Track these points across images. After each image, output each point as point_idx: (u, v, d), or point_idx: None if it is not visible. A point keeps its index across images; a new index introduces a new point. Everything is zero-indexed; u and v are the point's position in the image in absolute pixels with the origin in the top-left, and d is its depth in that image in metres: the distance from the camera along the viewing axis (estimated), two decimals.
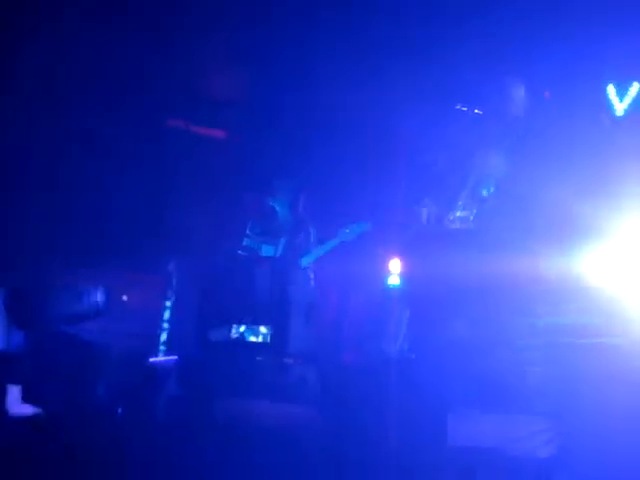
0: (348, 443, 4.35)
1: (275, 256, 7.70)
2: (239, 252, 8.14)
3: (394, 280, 8.63)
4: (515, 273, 4.78)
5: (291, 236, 8.10)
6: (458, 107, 6.51)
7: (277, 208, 8.34)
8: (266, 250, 8.06)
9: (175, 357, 6.53)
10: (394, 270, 8.24)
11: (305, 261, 7.72)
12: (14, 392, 5.66)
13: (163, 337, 8.12)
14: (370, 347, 9.66)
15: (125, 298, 10.56)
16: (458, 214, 6.03)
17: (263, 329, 6.68)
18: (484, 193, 6.08)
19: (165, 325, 8.14)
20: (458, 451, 4.13)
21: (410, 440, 4.23)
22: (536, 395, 4.44)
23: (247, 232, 8.42)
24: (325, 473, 4.05)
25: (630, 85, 9.90)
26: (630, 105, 9.91)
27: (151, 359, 7.17)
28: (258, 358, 5.63)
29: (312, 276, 7.79)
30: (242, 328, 6.95)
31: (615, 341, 7.87)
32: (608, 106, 10.03)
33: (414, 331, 4.76)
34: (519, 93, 6.37)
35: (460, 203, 6.17)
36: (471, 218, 5.98)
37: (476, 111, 6.47)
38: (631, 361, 7.61)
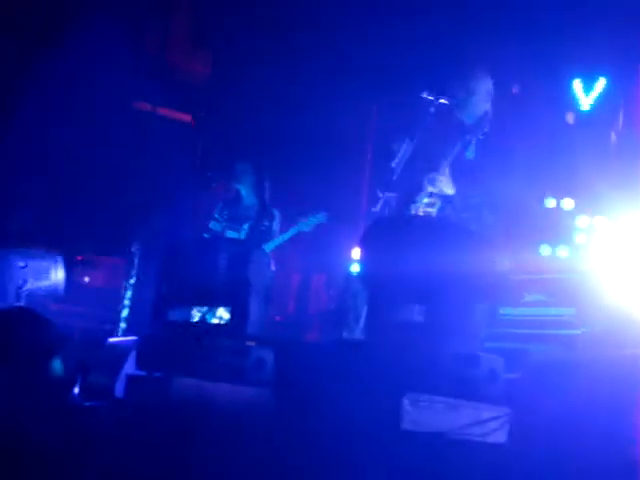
0: (301, 426, 4.36)
1: (238, 239, 7.72)
2: (203, 235, 8.15)
3: (355, 266, 8.67)
4: (477, 263, 4.80)
5: (256, 221, 8.11)
6: (424, 95, 6.50)
7: (243, 193, 8.35)
8: (231, 234, 8.08)
9: (135, 337, 6.53)
10: (355, 256, 8.28)
11: (267, 247, 7.74)
12: None
13: (124, 318, 8.13)
14: (331, 331, 9.71)
15: (87, 279, 10.56)
16: (425, 201, 6.05)
17: (223, 311, 6.69)
18: (448, 184, 6.10)
19: (126, 306, 8.14)
20: (411, 436, 4.15)
21: (363, 424, 4.25)
22: (490, 382, 4.48)
23: (215, 216, 8.43)
24: (278, 456, 4.06)
25: (596, 80, 9.98)
26: (595, 100, 10.00)
27: (110, 339, 7.17)
28: (217, 340, 5.63)
29: (273, 260, 7.82)
30: (202, 310, 6.96)
31: (575, 331, 7.95)
32: (574, 101, 10.11)
33: (371, 316, 4.78)
34: (486, 86, 6.36)
35: (426, 192, 6.20)
36: (436, 208, 6.01)
37: (442, 101, 6.46)
38: (591, 351, 7.69)
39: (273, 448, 4.05)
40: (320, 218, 8.16)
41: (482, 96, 6.28)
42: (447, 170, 6.10)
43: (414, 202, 6.08)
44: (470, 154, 6.25)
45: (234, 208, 8.35)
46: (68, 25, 10.65)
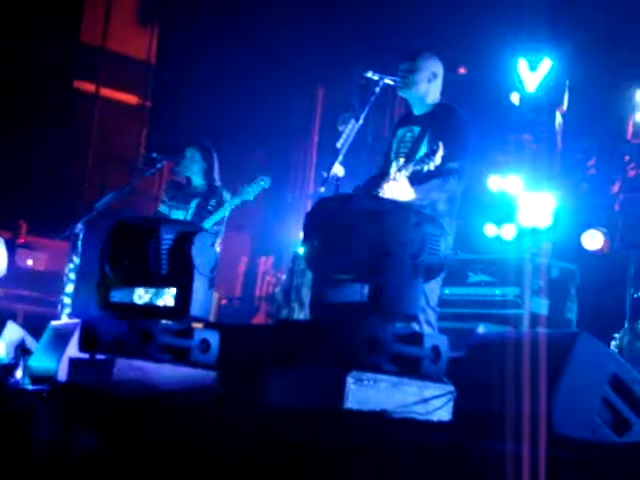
0: (245, 408, 4.35)
1: (183, 221, 7.66)
2: (148, 216, 8.08)
3: (301, 247, 8.66)
4: (420, 242, 4.80)
5: (203, 200, 8.05)
6: (369, 75, 6.47)
7: (193, 179, 8.28)
8: (176, 215, 8.02)
9: (78, 320, 6.47)
10: (301, 236, 8.27)
11: (208, 224, 7.68)
12: None
13: (67, 301, 8.05)
14: (277, 312, 9.70)
15: (30, 262, 10.46)
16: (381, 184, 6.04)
17: (168, 292, 6.65)
18: (400, 165, 6.08)
19: (69, 288, 8.06)
20: (353, 415, 4.15)
21: (307, 404, 4.24)
22: (433, 360, 4.49)
23: (163, 199, 8.37)
24: (221, 437, 4.05)
25: (541, 61, 10.04)
26: (541, 81, 10.06)
27: (53, 322, 7.10)
28: (162, 321, 5.59)
29: (219, 240, 7.77)
30: (147, 291, 6.92)
31: (519, 311, 8.02)
32: (519, 82, 10.16)
33: (315, 296, 4.77)
34: (431, 67, 6.30)
35: (379, 174, 6.19)
36: (386, 188, 5.99)
37: (387, 80, 6.43)
38: (534, 329, 7.76)
39: (216, 429, 4.03)
40: (263, 184, 8.05)
41: (424, 75, 6.22)
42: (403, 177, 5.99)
43: (379, 187, 6.05)
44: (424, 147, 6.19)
45: (181, 191, 8.29)
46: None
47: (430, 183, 5.89)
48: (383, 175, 6.21)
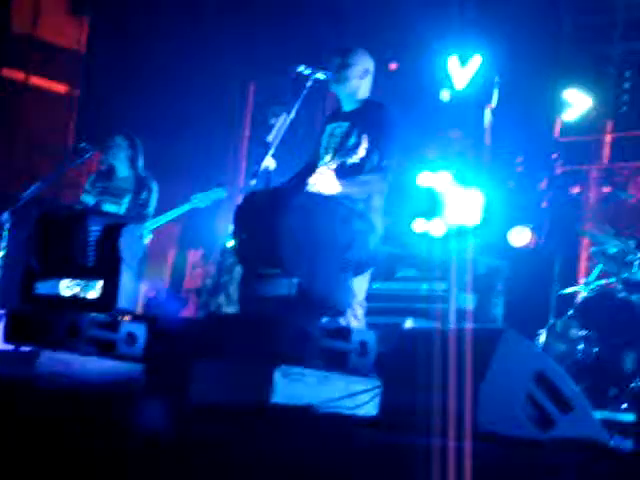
0: (172, 402, 4.33)
1: (110, 212, 7.60)
2: (76, 206, 8.00)
3: (230, 241, 8.63)
4: (349, 236, 4.82)
5: (134, 195, 8.00)
6: (301, 70, 6.45)
7: (117, 167, 8.22)
8: (109, 207, 7.95)
9: (2, 311, 6.38)
10: (231, 230, 8.24)
11: (151, 225, 7.64)
12: None
13: None
14: (206, 306, 9.67)
15: None
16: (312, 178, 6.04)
17: (95, 285, 6.59)
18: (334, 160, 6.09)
19: None
20: (281, 410, 4.16)
21: (235, 398, 4.24)
22: (361, 355, 4.51)
23: (87, 188, 8.29)
24: (146, 432, 4.02)
25: (471, 58, 10.12)
26: (471, 78, 10.14)
27: None
28: (89, 314, 5.54)
29: (149, 234, 7.73)
30: (77, 283, 6.84)
31: (447, 306, 8.08)
32: (449, 78, 10.23)
33: (243, 290, 4.77)
34: (363, 64, 6.30)
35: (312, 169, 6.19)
36: (313, 181, 5.99)
37: (318, 75, 6.42)
38: (461, 324, 7.82)
39: (141, 424, 4.00)
40: (218, 193, 8.05)
41: (357, 71, 6.22)
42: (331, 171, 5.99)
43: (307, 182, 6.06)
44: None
45: (108, 181, 8.22)
46: None
47: (358, 178, 5.91)
48: (310, 169, 6.22)
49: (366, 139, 5.75)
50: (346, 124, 6.18)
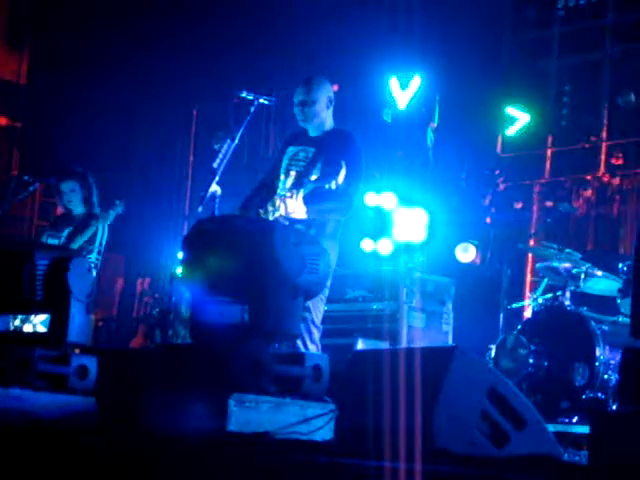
0: (125, 435, 4.30)
1: (56, 245, 7.53)
2: (20, 240, 7.92)
3: (179, 268, 8.61)
4: (298, 261, 4.83)
5: (75, 229, 7.92)
6: (244, 95, 6.47)
7: (72, 209, 8.10)
8: (51, 241, 7.88)
9: None
10: (180, 258, 8.23)
11: (76, 244, 7.56)
12: None
13: None
14: (156, 335, 9.63)
15: None
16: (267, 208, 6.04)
17: (43, 319, 6.54)
18: (293, 183, 6.10)
19: None
20: (238, 437, 4.15)
21: (190, 426, 4.22)
22: (314, 379, 4.52)
23: (47, 231, 8.20)
24: (102, 465, 3.99)
25: (411, 78, 10.20)
26: (411, 98, 10.22)
27: None
28: (37, 349, 5.48)
29: (94, 266, 7.67)
30: (19, 319, 6.78)
31: (397, 325, 8.11)
32: (391, 99, 10.31)
33: (195, 318, 4.76)
34: (329, 91, 6.31)
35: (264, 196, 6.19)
36: (279, 204, 5.99)
37: (261, 100, 6.44)
38: (412, 343, 7.86)
39: (96, 458, 3.97)
40: (117, 209, 7.96)
41: (323, 104, 6.22)
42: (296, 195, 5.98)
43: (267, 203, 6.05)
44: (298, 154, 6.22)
45: (61, 218, 8.14)
46: None
47: (324, 204, 5.92)
48: (267, 188, 6.22)
49: (344, 166, 5.76)
50: (312, 150, 6.16)
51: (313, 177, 5.96)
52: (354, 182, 6.00)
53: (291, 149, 6.29)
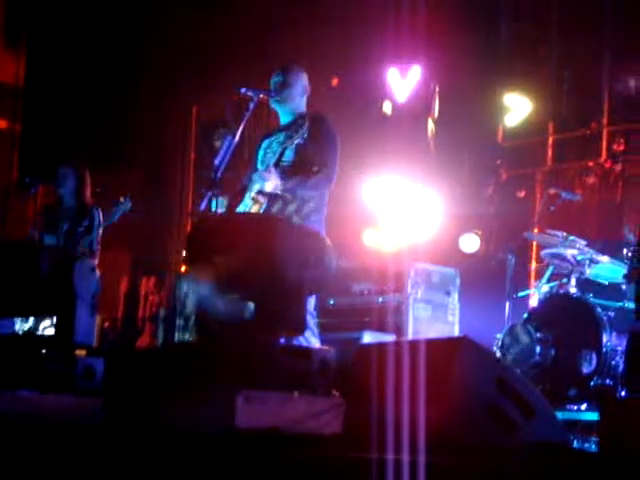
0: (133, 435, 4.30)
1: (59, 247, 7.54)
2: (23, 242, 7.93)
3: (185, 266, 8.59)
4: (303, 256, 4.82)
5: (72, 224, 7.93)
6: (243, 92, 6.48)
7: (64, 197, 8.15)
8: (48, 239, 7.88)
9: None
10: (185, 256, 8.23)
11: (84, 244, 7.57)
12: None
13: None
14: (162, 334, 9.62)
15: None
16: (252, 201, 6.06)
17: (49, 321, 6.54)
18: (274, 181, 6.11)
19: None
20: (246, 433, 4.14)
21: (199, 423, 4.22)
22: (319, 374, 4.51)
23: (35, 221, 8.22)
24: (111, 467, 3.99)
25: (410, 70, 10.18)
26: (411, 89, 10.20)
27: None
28: (44, 351, 5.49)
29: (96, 264, 7.67)
30: (27, 321, 6.79)
31: (402, 318, 8.11)
32: (390, 91, 10.29)
33: (201, 316, 4.76)
34: (302, 81, 6.41)
35: (254, 192, 6.20)
36: (263, 206, 6.02)
37: (261, 96, 6.47)
38: (417, 336, 7.85)
39: (104, 459, 3.97)
40: (121, 207, 7.99)
41: (298, 89, 6.35)
42: (272, 168, 6.10)
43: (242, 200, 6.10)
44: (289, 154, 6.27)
45: (54, 213, 8.15)
46: None
47: (300, 178, 6.03)
48: (244, 189, 6.29)
49: (309, 144, 5.90)
50: (283, 134, 6.29)
51: (288, 153, 6.05)
52: (329, 156, 6.13)
53: (266, 142, 6.45)
